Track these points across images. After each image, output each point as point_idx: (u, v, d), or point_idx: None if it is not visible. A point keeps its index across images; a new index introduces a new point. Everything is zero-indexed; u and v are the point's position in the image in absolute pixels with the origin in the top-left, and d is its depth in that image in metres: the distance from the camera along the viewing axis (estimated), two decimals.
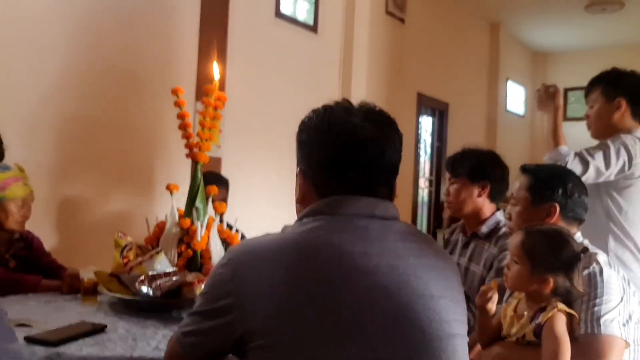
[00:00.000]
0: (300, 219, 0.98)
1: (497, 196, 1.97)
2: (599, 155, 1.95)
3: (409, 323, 0.88)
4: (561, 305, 1.31)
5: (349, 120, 0.98)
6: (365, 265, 0.89)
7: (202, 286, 1.15)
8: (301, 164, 1.03)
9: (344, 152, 0.97)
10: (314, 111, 1.03)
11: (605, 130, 2.09)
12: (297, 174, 1.04)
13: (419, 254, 0.95)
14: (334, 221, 0.93)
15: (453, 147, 2.07)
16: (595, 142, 2.14)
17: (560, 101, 2.12)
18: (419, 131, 5.35)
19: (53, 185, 2.59)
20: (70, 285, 1.87)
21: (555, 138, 2.03)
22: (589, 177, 1.94)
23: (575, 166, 1.92)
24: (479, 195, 1.94)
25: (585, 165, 1.94)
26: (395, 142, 1.01)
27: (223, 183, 2.78)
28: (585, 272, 1.36)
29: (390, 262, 0.91)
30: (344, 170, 0.97)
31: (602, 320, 1.29)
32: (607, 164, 1.95)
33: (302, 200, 1.02)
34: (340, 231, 0.92)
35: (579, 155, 1.96)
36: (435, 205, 5.64)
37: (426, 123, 5.62)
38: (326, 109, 1.01)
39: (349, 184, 0.97)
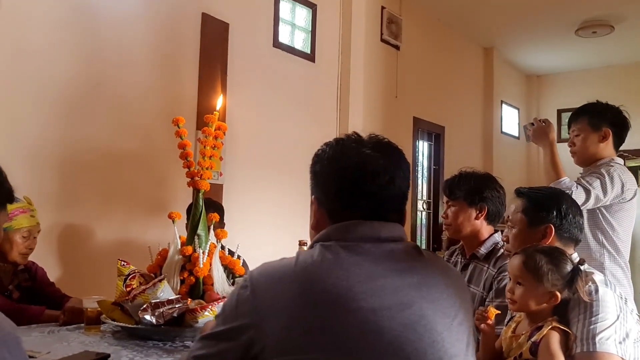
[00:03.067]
0: (312, 245, 1.04)
1: (495, 218, 2.00)
2: (597, 184, 2.13)
3: (411, 344, 0.91)
4: (556, 323, 1.34)
5: (360, 151, 1.04)
6: (371, 288, 0.93)
7: (217, 308, 1.17)
8: (315, 192, 1.09)
9: (357, 181, 1.02)
10: (327, 144, 1.09)
11: (591, 158, 2.28)
12: (311, 202, 1.10)
13: (423, 274, 0.99)
14: (342, 247, 0.98)
15: (450, 170, 2.11)
16: (578, 168, 2.35)
17: (554, 134, 2.29)
18: (416, 155, 5.40)
19: (56, 215, 2.61)
20: (70, 318, 1.86)
21: (556, 170, 2.20)
22: (589, 204, 2.13)
23: (579, 195, 2.09)
24: (477, 218, 1.97)
25: (588, 193, 2.12)
26: (404, 171, 1.07)
27: (217, 209, 2.76)
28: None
29: (395, 283, 0.95)
30: (357, 199, 1.02)
31: (597, 339, 1.30)
32: (605, 192, 2.13)
33: (316, 226, 1.07)
34: (347, 256, 0.97)
35: (581, 185, 2.13)
36: (434, 227, 5.66)
37: (423, 146, 5.68)
38: (338, 141, 1.08)
39: (361, 211, 1.02)
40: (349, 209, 1.02)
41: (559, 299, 1.36)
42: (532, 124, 2.37)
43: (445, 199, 2.07)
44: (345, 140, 1.08)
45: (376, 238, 1.00)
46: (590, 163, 2.29)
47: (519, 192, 1.64)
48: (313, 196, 1.10)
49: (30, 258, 2.08)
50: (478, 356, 1.54)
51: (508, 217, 1.67)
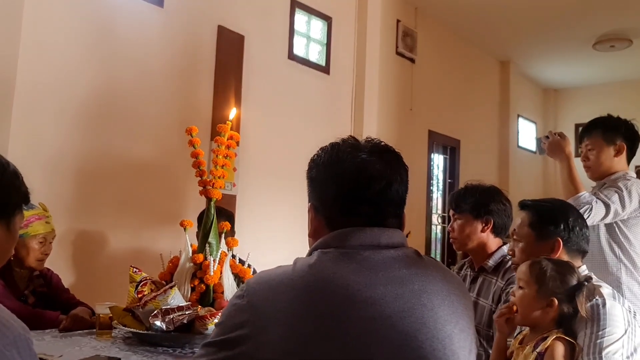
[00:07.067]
0: (310, 252, 1.01)
1: (501, 231, 1.99)
2: (616, 198, 2.13)
3: (412, 352, 0.89)
4: (561, 334, 1.33)
5: (357, 156, 1.01)
6: (371, 296, 0.90)
7: (218, 317, 1.17)
8: (312, 199, 1.06)
9: (354, 186, 1.00)
10: (322, 149, 1.06)
11: (605, 172, 2.27)
12: (308, 209, 1.07)
13: (424, 280, 0.96)
14: (341, 254, 0.96)
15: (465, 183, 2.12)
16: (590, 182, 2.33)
17: (570, 148, 2.28)
18: (431, 168, 5.39)
19: (71, 222, 2.67)
20: (70, 324, 1.89)
21: (575, 184, 2.20)
22: (608, 218, 2.13)
23: (599, 210, 2.09)
24: (483, 231, 1.97)
25: (608, 208, 2.11)
26: (402, 175, 1.04)
27: (228, 217, 2.79)
28: (589, 304, 1.38)
29: (395, 291, 0.92)
30: (354, 204, 1.00)
31: (604, 353, 1.30)
32: (623, 206, 2.13)
33: (313, 234, 1.05)
34: (346, 263, 0.94)
35: (601, 200, 2.12)
36: (449, 241, 5.61)
37: (438, 160, 5.67)
38: (334, 146, 1.05)
39: (359, 217, 0.99)
40: (346, 216, 1.00)
41: (556, 307, 1.36)
42: (547, 137, 2.35)
43: (451, 212, 2.07)
44: (341, 144, 1.04)
45: (376, 245, 0.97)
46: (603, 177, 2.27)
47: (524, 205, 1.63)
48: (310, 203, 1.06)
49: (45, 264, 2.12)
50: None
51: (514, 230, 1.67)
